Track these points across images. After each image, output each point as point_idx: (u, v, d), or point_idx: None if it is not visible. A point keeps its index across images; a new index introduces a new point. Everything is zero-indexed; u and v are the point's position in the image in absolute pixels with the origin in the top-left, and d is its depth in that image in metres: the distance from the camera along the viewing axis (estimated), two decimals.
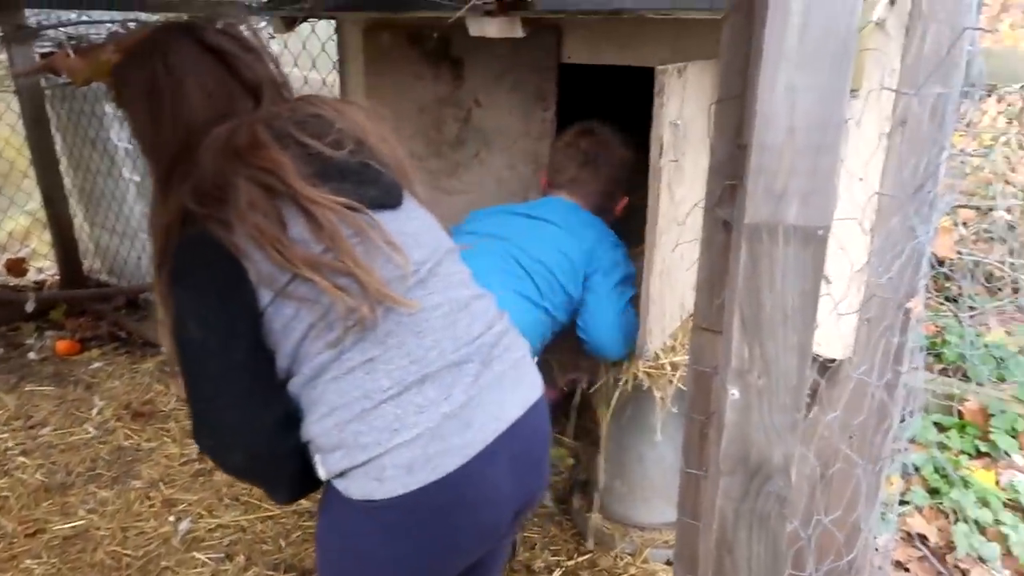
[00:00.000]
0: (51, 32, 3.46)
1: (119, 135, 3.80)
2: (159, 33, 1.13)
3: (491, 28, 1.86)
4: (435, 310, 1.09)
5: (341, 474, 1.06)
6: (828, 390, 1.29)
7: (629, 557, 2.10)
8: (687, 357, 1.77)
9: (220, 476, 2.52)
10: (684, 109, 1.57)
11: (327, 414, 1.05)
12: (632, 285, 1.83)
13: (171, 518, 2.35)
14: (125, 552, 2.20)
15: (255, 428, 1.05)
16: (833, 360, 1.34)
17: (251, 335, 1.03)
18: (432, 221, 1.19)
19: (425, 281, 1.10)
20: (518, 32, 1.86)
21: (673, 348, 1.81)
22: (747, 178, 0.81)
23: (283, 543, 2.21)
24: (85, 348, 3.43)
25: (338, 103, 1.15)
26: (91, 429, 2.82)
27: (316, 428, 1.06)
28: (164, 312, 1.05)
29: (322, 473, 1.08)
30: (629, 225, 1.95)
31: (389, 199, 1.11)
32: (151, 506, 2.41)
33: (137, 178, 3.74)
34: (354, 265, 1.00)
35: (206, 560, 2.15)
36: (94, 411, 2.94)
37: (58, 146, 3.87)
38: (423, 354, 1.06)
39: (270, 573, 2.10)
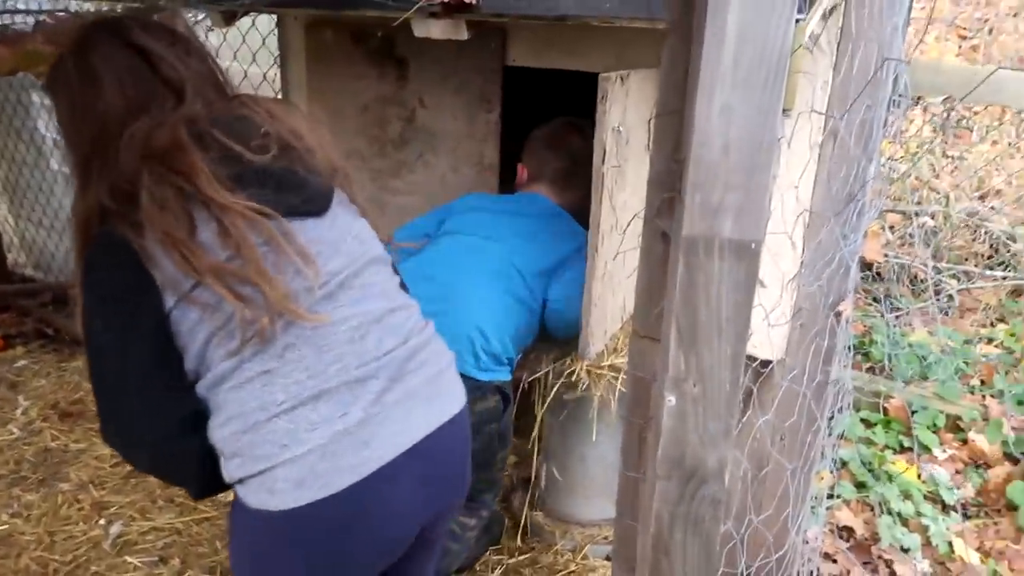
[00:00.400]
0: None
1: (47, 125, 3.66)
2: (86, 30, 1.11)
3: (436, 29, 1.86)
4: (342, 324, 1.08)
5: (240, 481, 1.06)
6: (761, 393, 1.34)
7: (570, 554, 2.14)
8: (627, 359, 1.81)
9: (153, 478, 2.46)
10: (627, 116, 1.60)
11: (225, 422, 1.05)
12: None
13: (101, 521, 2.29)
14: (52, 557, 2.13)
15: (156, 427, 1.05)
16: (768, 362, 1.39)
17: (154, 337, 1.02)
18: (362, 230, 1.18)
19: (335, 294, 1.09)
20: (463, 34, 1.86)
21: (615, 350, 1.84)
22: (684, 192, 0.83)
23: (219, 545, 2.18)
24: (9, 345, 3.30)
25: (274, 105, 1.14)
26: (15, 430, 2.72)
27: (217, 434, 1.06)
28: (80, 306, 1.05)
29: (225, 476, 1.08)
30: None
31: (311, 206, 1.09)
32: (80, 509, 2.34)
33: (66, 170, 3.61)
34: (257, 275, 0.99)
35: (138, 564, 2.10)
36: (19, 411, 2.84)
37: None
38: (323, 369, 1.05)
39: None
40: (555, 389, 1.91)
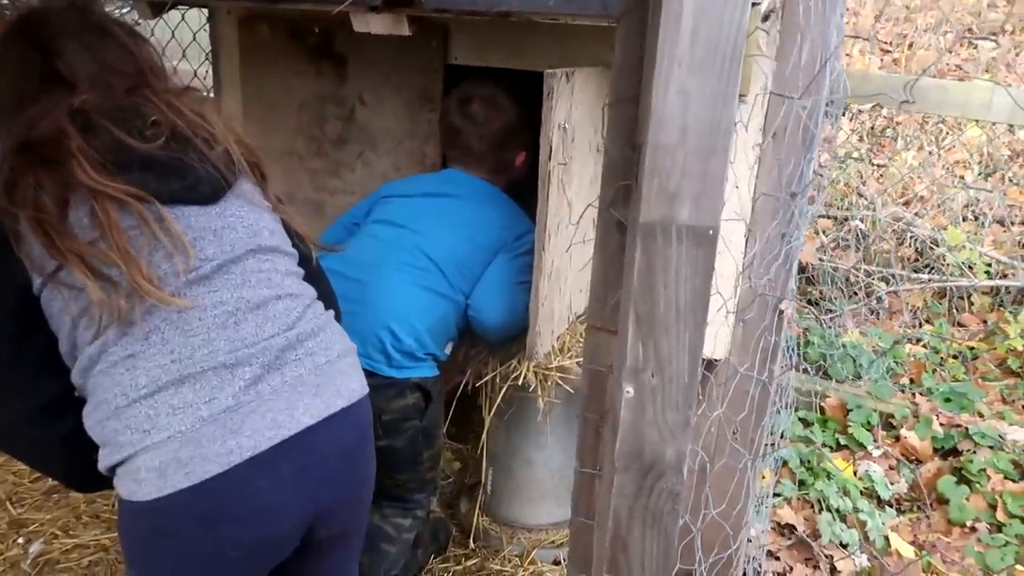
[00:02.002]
0: None
1: None
2: (4, 26, 1.14)
3: (376, 24, 1.82)
4: (214, 308, 1.07)
5: (111, 471, 1.05)
6: (712, 388, 1.33)
7: (517, 559, 2.10)
8: (576, 361, 1.79)
9: (76, 494, 2.33)
10: (572, 113, 1.59)
11: (94, 409, 1.04)
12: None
13: (20, 540, 2.15)
14: None
15: (15, 412, 1.04)
16: (716, 361, 1.39)
17: (15, 320, 1.02)
18: (258, 220, 1.16)
19: (210, 278, 1.07)
20: (404, 30, 1.83)
21: (561, 350, 1.83)
22: (642, 178, 0.82)
23: None
24: None
25: (178, 99, 1.14)
26: None
27: (88, 421, 1.05)
28: None
29: (100, 467, 1.05)
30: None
31: (194, 194, 1.09)
32: None
33: None
34: (121, 256, 0.99)
35: None
36: None
37: None
38: (189, 353, 1.04)
39: None
40: (502, 392, 1.88)
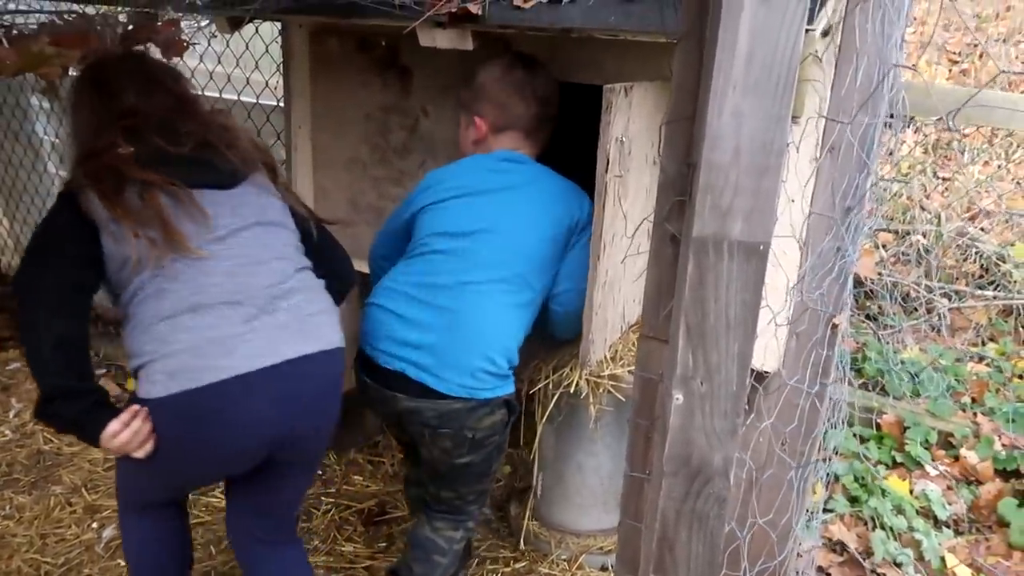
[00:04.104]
0: None
1: (45, 128, 3.67)
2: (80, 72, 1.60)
3: (442, 39, 1.88)
4: (226, 260, 1.40)
5: (135, 373, 1.38)
6: (761, 400, 1.35)
7: (565, 563, 2.13)
8: (627, 369, 1.82)
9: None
10: (630, 127, 1.62)
11: (132, 328, 1.38)
12: None
13: (94, 525, 2.28)
14: (44, 560, 2.12)
15: (38, 339, 1.33)
16: (766, 373, 1.41)
17: (76, 248, 1.36)
18: (268, 204, 1.52)
19: (225, 239, 1.42)
20: (468, 44, 1.89)
21: (613, 359, 1.86)
22: (695, 195, 0.85)
23: (214, 550, 2.17)
24: (2, 348, 3.29)
25: (210, 116, 1.56)
26: (8, 432, 2.71)
27: (126, 339, 1.39)
28: None
29: (130, 367, 1.39)
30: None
31: (216, 181, 1.46)
32: (72, 512, 2.33)
33: (64, 174, 3.61)
34: (158, 220, 1.35)
35: None
36: (11, 413, 2.82)
37: None
38: (204, 290, 1.37)
39: None
40: (555, 399, 1.92)
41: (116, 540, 2.21)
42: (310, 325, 1.44)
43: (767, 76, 0.81)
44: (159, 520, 1.62)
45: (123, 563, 2.10)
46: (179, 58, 2.36)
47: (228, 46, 2.77)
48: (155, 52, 2.01)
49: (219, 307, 1.36)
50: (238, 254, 1.42)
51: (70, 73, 1.84)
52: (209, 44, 2.79)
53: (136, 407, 1.35)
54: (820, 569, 2.20)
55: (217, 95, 2.92)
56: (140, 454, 1.35)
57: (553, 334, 1.86)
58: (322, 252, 1.61)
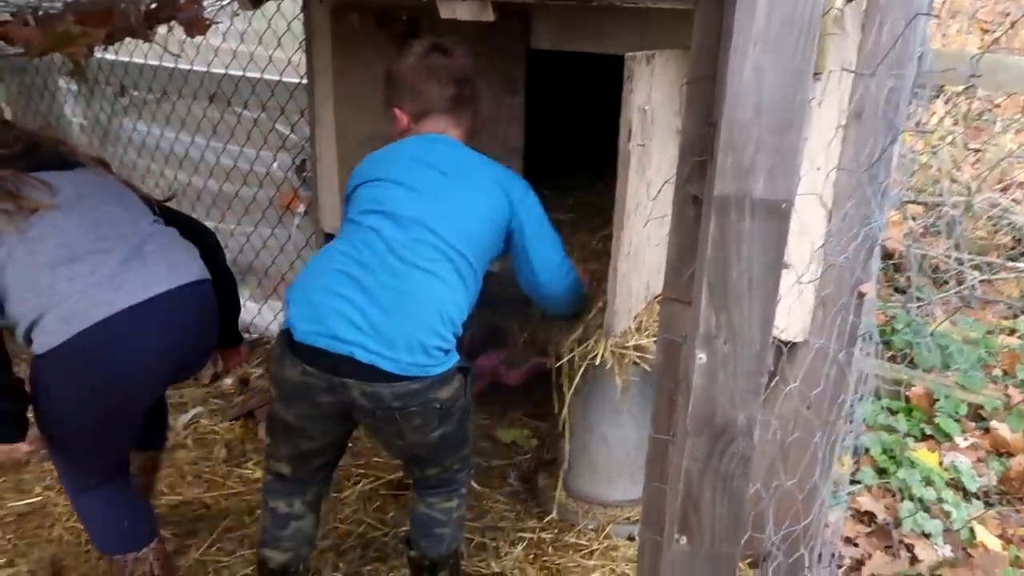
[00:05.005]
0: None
1: (74, 110, 3.72)
2: None
3: (462, 11, 1.88)
4: (85, 216, 1.57)
5: (28, 339, 1.51)
6: (787, 366, 1.35)
7: (592, 533, 2.15)
8: (652, 339, 1.82)
9: (182, 454, 2.51)
10: (652, 95, 1.61)
11: (14, 298, 1.50)
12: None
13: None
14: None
15: None
16: (790, 338, 1.41)
17: None
18: (105, 179, 1.71)
19: (75, 204, 1.58)
20: (489, 15, 1.88)
21: (638, 329, 1.86)
22: (716, 154, 0.85)
23: (247, 519, 2.22)
24: None
25: (35, 131, 1.79)
26: None
27: (11, 311, 1.52)
28: None
29: (18, 335, 1.53)
30: None
31: (50, 165, 1.62)
32: None
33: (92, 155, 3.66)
34: (6, 195, 1.50)
35: (169, 536, 2.14)
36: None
37: (8, 115, 3.77)
38: (73, 243, 1.52)
39: (234, 549, 2.10)
40: (580, 371, 1.93)
41: (154, 510, 2.26)
42: (176, 262, 1.64)
43: (788, 31, 0.80)
44: (114, 492, 1.74)
45: (162, 532, 2.14)
46: (202, 36, 2.38)
47: (250, 24, 2.78)
48: (178, 30, 2.03)
49: (92, 255, 1.53)
50: (94, 212, 1.60)
51: (95, 53, 1.87)
52: (231, 22, 2.80)
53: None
54: (847, 539, 2.20)
55: (240, 73, 2.94)
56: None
57: (556, 316, 1.88)
58: (175, 223, 1.78)
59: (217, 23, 2.34)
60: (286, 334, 1.56)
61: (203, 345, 1.75)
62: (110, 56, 3.33)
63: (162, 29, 2.00)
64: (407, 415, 1.53)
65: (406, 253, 1.54)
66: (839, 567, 2.03)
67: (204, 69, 3.08)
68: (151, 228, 1.67)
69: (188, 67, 3.08)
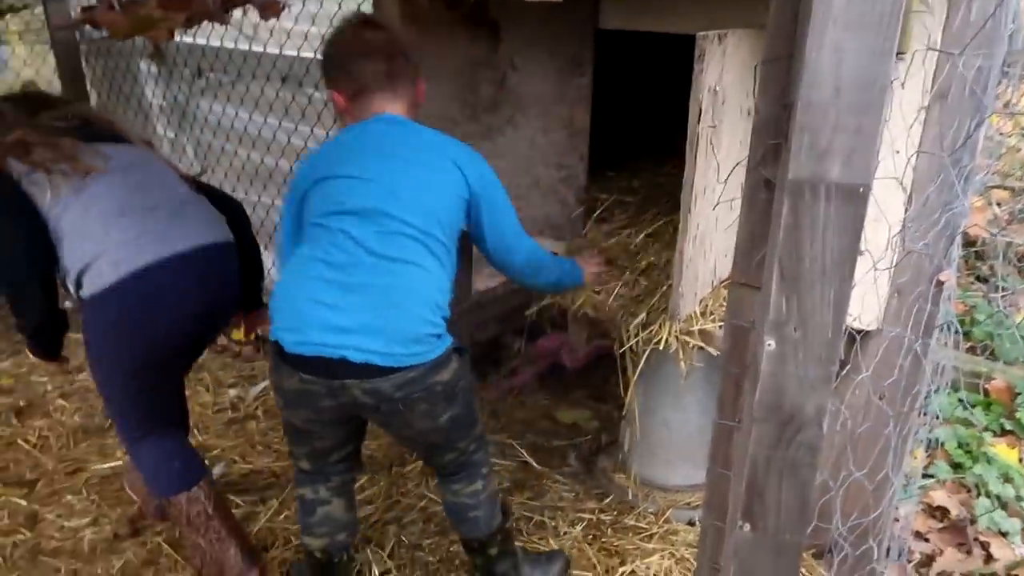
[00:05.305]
0: None
1: (154, 92, 3.85)
2: None
3: None
4: (134, 179, 1.78)
5: (79, 285, 1.71)
6: (860, 355, 1.31)
7: (652, 516, 2.15)
8: (718, 324, 1.80)
9: (252, 425, 2.60)
10: (723, 76, 1.58)
11: (67, 244, 1.70)
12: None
13: (205, 461, 2.43)
14: None
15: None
16: (863, 326, 1.37)
17: (11, 203, 1.71)
18: (150, 154, 1.93)
19: (127, 168, 1.79)
20: None
21: (703, 314, 1.83)
22: (791, 136, 0.83)
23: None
24: None
25: (90, 110, 2.15)
26: None
27: (64, 258, 1.71)
28: None
29: (73, 291, 1.74)
30: None
31: (103, 136, 1.83)
32: None
33: (172, 135, 3.80)
34: (64, 157, 1.71)
35: (240, 503, 2.23)
36: None
37: (93, 102, 3.92)
38: (125, 200, 1.73)
39: None
40: (644, 355, 1.91)
41: (226, 477, 2.36)
42: (210, 224, 1.84)
43: (870, 8, 0.77)
44: (163, 438, 1.88)
45: (233, 498, 2.24)
46: (275, 18, 2.43)
47: (322, 6, 2.82)
48: (252, 13, 2.08)
49: (141, 211, 1.73)
50: (142, 178, 1.81)
51: (175, 36, 1.93)
52: (304, 4, 2.85)
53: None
54: (918, 534, 2.14)
55: (311, 55, 2.99)
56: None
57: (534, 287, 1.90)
58: (207, 194, 1.96)
59: (289, 5, 2.39)
60: (276, 345, 1.54)
61: (230, 300, 1.91)
62: (188, 39, 3.43)
63: (237, 12, 2.05)
64: (411, 403, 1.53)
65: (378, 247, 1.50)
66: (909, 561, 1.97)
67: (276, 51, 3.15)
68: (189, 195, 1.88)
69: (261, 49, 3.15)
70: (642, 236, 2.24)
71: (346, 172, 1.57)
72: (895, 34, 0.78)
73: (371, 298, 1.48)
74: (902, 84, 1.09)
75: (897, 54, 0.91)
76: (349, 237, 1.51)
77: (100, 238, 1.69)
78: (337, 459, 1.73)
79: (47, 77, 4.02)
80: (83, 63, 3.80)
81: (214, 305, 1.85)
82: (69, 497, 2.27)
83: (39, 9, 3.63)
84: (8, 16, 3.89)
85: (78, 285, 1.72)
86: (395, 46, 1.69)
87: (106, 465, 2.39)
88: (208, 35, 3.48)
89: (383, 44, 1.67)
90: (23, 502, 2.26)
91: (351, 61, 1.66)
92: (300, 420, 1.61)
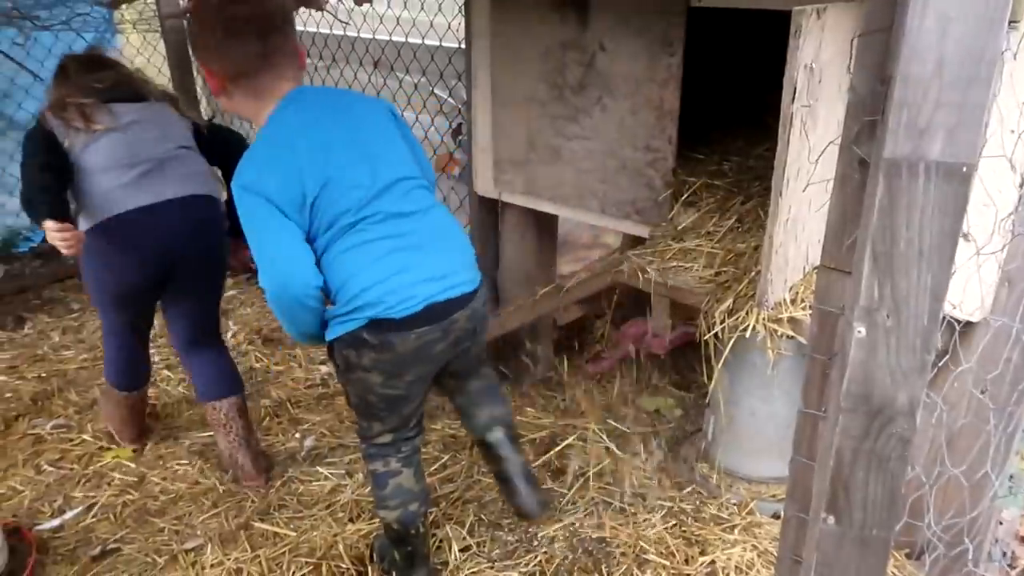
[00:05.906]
0: None
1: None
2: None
3: None
4: (127, 138, 2.09)
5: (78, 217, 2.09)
6: (960, 346, 1.24)
7: (735, 508, 2.10)
8: (808, 312, 1.74)
9: (341, 401, 2.68)
10: (821, 53, 1.51)
11: (82, 184, 2.06)
12: None
13: (297, 435, 2.53)
14: None
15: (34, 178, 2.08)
16: (965, 314, 1.29)
17: (46, 142, 2.07)
18: (162, 109, 2.21)
19: (127, 127, 2.10)
20: None
21: (793, 301, 1.78)
22: (888, 112, 0.79)
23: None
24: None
25: (123, 68, 2.28)
26: None
27: (80, 196, 2.07)
28: None
29: (84, 225, 2.08)
30: None
31: (125, 96, 2.16)
32: (279, 423, 2.61)
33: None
34: (79, 115, 2.06)
35: (328, 475, 2.31)
36: (228, 334, 3.17)
37: (199, 87, 4.10)
38: (125, 154, 2.07)
39: None
40: (731, 343, 1.87)
41: (317, 449, 2.45)
42: (189, 178, 2.15)
43: None
44: (129, 340, 2.33)
45: (322, 470, 2.33)
46: (369, 4, 2.48)
47: None
48: (348, 0, 2.13)
49: (142, 163, 2.08)
50: (137, 135, 2.11)
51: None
52: None
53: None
54: (1023, 539, 2.02)
55: (403, 40, 3.04)
56: (69, 252, 1.91)
57: None
58: (214, 144, 2.29)
59: None
60: (374, 325, 1.59)
61: (208, 246, 2.20)
62: None
63: None
64: (485, 317, 1.79)
65: (408, 207, 1.65)
66: (1011, 567, 1.87)
67: (369, 36, 3.22)
68: (177, 152, 2.17)
69: (355, 35, 3.22)
70: (732, 220, 2.18)
71: (332, 174, 1.57)
72: (1007, 0, 0.73)
73: (437, 244, 1.67)
74: (1014, 56, 1.01)
75: (1010, 22, 0.85)
76: (388, 215, 1.64)
77: (111, 184, 2.06)
78: (415, 423, 1.84)
79: (157, 64, 4.22)
80: (190, 50, 3.95)
81: (190, 248, 2.15)
82: (173, 463, 2.41)
83: None
84: (124, 6, 4.09)
85: (76, 218, 2.09)
86: (272, 22, 1.59)
87: (207, 434, 2.51)
88: (304, 22, 3.58)
89: (257, 22, 1.57)
90: (132, 464, 2.41)
91: (224, 44, 1.57)
92: (404, 384, 1.71)
